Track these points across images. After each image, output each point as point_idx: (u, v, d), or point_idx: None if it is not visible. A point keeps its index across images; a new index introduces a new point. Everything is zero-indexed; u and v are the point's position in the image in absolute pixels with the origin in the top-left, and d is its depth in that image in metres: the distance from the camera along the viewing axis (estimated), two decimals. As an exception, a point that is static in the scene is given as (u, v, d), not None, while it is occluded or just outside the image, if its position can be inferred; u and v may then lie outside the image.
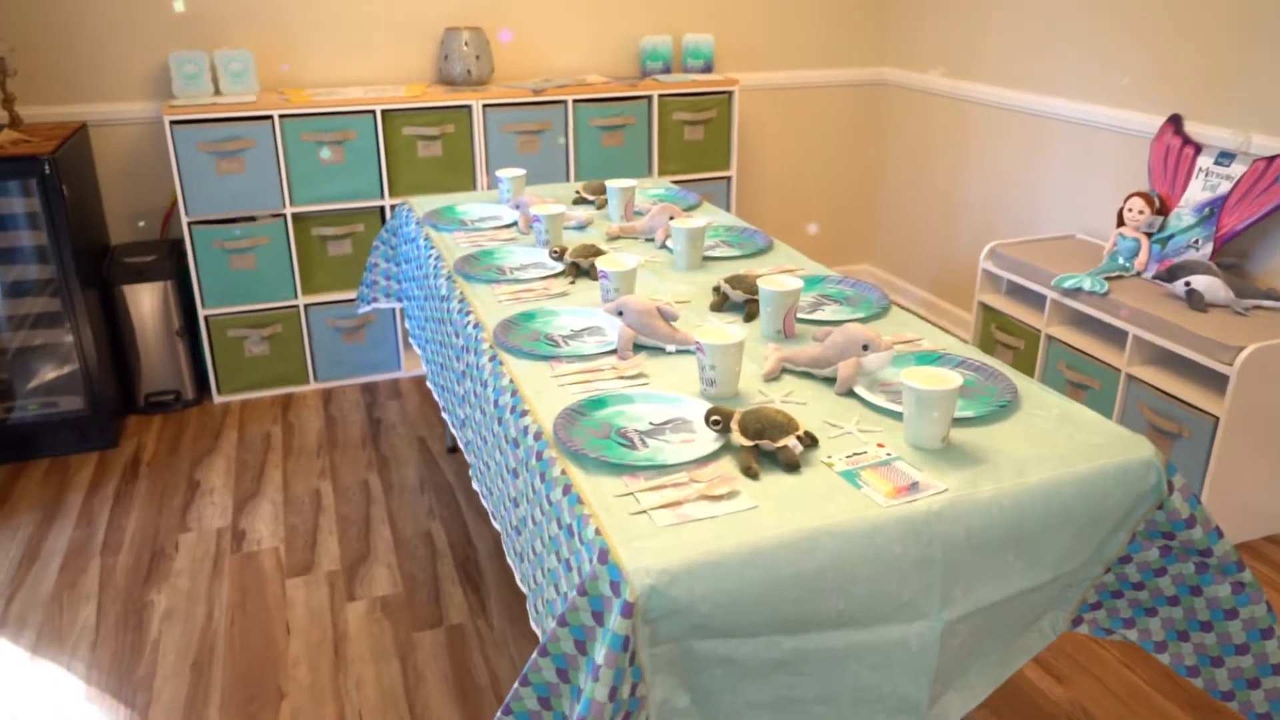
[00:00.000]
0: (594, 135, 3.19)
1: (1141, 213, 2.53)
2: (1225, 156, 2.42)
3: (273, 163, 2.89)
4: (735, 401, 1.42)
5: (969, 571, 1.19)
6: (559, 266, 2.01)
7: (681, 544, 1.09)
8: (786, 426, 1.26)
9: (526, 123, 3.10)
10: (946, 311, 3.62)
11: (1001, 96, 3.19)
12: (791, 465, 1.24)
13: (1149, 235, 2.56)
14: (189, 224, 2.87)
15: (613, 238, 2.21)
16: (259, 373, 3.08)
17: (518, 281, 1.93)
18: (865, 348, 1.44)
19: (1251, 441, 2.19)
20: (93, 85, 2.94)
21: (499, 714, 1.16)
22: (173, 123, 2.76)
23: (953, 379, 1.27)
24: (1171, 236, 2.52)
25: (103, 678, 1.92)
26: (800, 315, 1.73)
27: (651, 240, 2.20)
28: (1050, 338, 2.66)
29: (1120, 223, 2.61)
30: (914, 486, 1.20)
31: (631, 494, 1.19)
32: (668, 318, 1.60)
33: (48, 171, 2.51)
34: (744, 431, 1.26)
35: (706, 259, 2.06)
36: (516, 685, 1.14)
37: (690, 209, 2.46)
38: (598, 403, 1.41)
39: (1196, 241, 2.45)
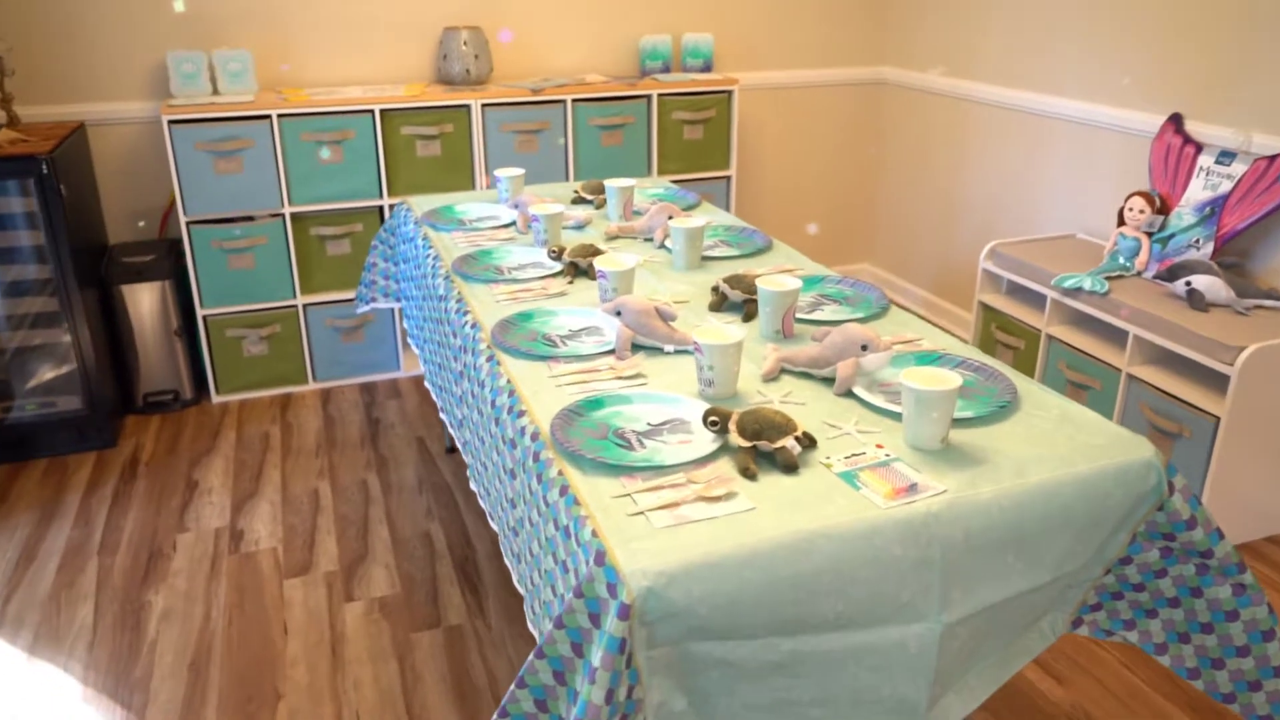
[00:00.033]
0: (593, 135, 3.18)
1: (1142, 212, 2.53)
2: (1226, 155, 2.41)
3: (271, 162, 2.88)
4: (734, 402, 1.42)
5: (968, 573, 1.18)
6: (557, 266, 2.00)
7: (679, 545, 1.08)
8: (785, 427, 1.25)
9: (525, 122, 3.09)
10: (947, 311, 3.61)
11: (1002, 96, 3.18)
12: (790, 466, 1.23)
13: (1150, 235, 2.55)
14: (187, 224, 2.87)
15: (611, 237, 2.20)
16: (257, 372, 3.08)
17: (516, 281, 1.93)
18: (864, 348, 1.44)
19: (1252, 442, 2.18)
20: (91, 85, 2.94)
21: (495, 716, 1.15)
22: (171, 122, 2.76)
23: (952, 379, 1.26)
24: (1172, 236, 2.51)
25: (100, 678, 1.92)
26: (799, 315, 1.72)
27: (650, 240, 2.19)
28: (1051, 337, 2.65)
29: (1121, 222, 2.60)
30: (913, 488, 1.19)
31: (629, 495, 1.19)
32: (666, 318, 1.59)
33: (45, 171, 2.50)
34: (742, 432, 1.26)
35: (705, 259, 2.06)
36: (513, 687, 1.14)
37: (689, 208, 2.46)
38: (595, 403, 1.40)
39: (1197, 241, 2.44)
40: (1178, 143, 2.55)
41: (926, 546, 1.15)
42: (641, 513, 1.15)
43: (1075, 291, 2.52)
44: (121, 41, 2.92)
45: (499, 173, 2.39)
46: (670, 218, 2.14)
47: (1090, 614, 1.39)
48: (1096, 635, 1.41)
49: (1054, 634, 1.34)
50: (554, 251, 1.99)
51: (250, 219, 2.94)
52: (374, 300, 2.55)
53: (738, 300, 1.77)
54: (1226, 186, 2.39)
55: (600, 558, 1.07)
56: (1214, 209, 2.41)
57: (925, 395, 1.25)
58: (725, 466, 1.25)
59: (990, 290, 2.93)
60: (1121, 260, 2.58)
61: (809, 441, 1.28)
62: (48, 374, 2.73)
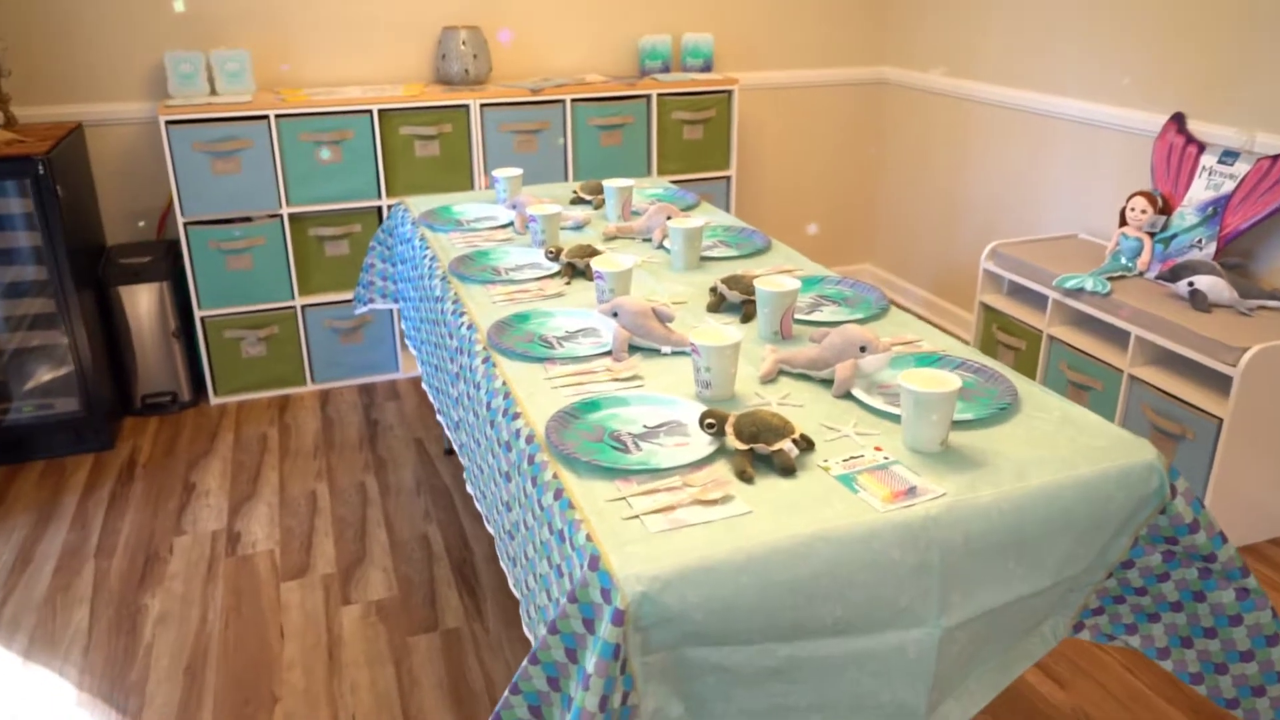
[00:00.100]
0: (592, 135, 3.17)
1: (1144, 212, 2.51)
2: (1229, 155, 2.40)
3: (269, 163, 2.87)
4: (731, 404, 1.40)
5: (968, 577, 1.17)
6: (555, 267, 1.99)
7: (674, 550, 1.07)
8: (782, 429, 1.24)
9: (524, 122, 3.08)
10: (948, 312, 3.59)
11: (1003, 95, 3.17)
12: (787, 469, 1.22)
13: (1152, 235, 2.54)
14: (185, 224, 2.86)
15: (609, 238, 2.19)
16: (256, 374, 3.07)
17: (513, 282, 1.91)
18: (863, 349, 1.42)
19: (1255, 443, 2.17)
20: (88, 85, 2.93)
21: (489, 722, 1.14)
22: (168, 123, 2.75)
23: (951, 381, 1.25)
24: (1174, 236, 2.49)
25: (95, 682, 1.91)
26: (798, 316, 1.71)
27: (649, 240, 2.18)
28: (1052, 338, 2.63)
29: (1123, 222, 2.58)
30: (912, 491, 1.18)
31: (624, 498, 1.17)
32: (663, 319, 1.58)
33: (42, 172, 2.49)
34: (739, 435, 1.24)
35: (704, 259, 2.04)
36: (507, 693, 1.12)
37: (688, 209, 2.45)
38: (591, 405, 1.39)
39: (1200, 241, 2.43)
40: (1180, 142, 2.53)
41: (925, 550, 1.14)
42: (636, 516, 1.13)
43: (1077, 292, 2.51)
44: (119, 42, 2.92)
45: (497, 173, 2.38)
46: (669, 218, 2.13)
47: (1092, 618, 1.38)
48: (1098, 640, 1.40)
49: (1055, 638, 1.33)
50: (551, 252, 1.98)
51: (248, 220, 2.93)
52: (372, 301, 2.54)
53: (736, 301, 1.76)
54: (1229, 186, 2.38)
55: (594, 562, 1.06)
56: (1216, 209, 2.40)
57: (924, 397, 1.24)
58: (722, 469, 1.23)
59: (991, 291, 2.91)
60: (1123, 260, 2.56)
61: (807, 444, 1.26)
62: (45, 375, 2.72)
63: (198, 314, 2.95)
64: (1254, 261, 2.44)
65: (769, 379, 1.48)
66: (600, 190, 2.47)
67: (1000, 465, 1.24)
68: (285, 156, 2.88)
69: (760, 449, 1.23)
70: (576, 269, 1.93)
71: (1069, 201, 2.99)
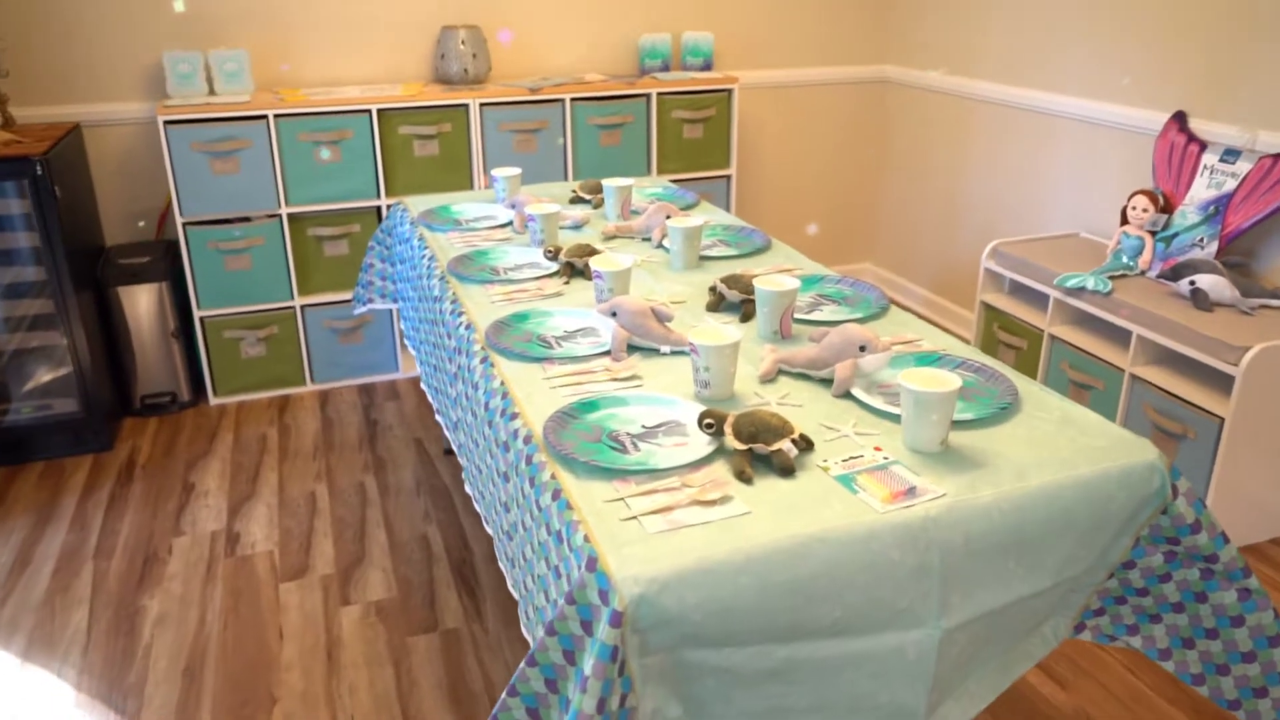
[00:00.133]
0: (592, 134, 3.17)
1: (1145, 211, 2.50)
2: (1230, 154, 2.39)
3: (268, 163, 2.86)
4: (730, 404, 1.39)
5: (968, 578, 1.16)
6: (553, 266, 1.98)
7: (672, 551, 1.06)
8: (781, 429, 1.23)
9: (524, 121, 3.08)
10: (948, 311, 3.58)
11: (1004, 94, 3.16)
12: (786, 469, 1.21)
13: (1153, 234, 2.53)
14: (184, 225, 2.85)
15: (609, 237, 2.19)
16: (255, 374, 3.06)
17: (511, 282, 1.91)
18: (862, 348, 1.41)
19: (1257, 443, 2.16)
20: (87, 85, 2.92)
21: (486, 724, 1.14)
22: (166, 123, 2.74)
23: (951, 381, 1.24)
24: (1176, 235, 2.49)
25: (93, 684, 1.90)
26: (798, 315, 1.70)
27: (648, 240, 2.17)
28: (1053, 337, 2.62)
29: (1124, 221, 2.57)
30: (911, 491, 1.17)
31: (622, 499, 1.17)
32: (662, 318, 1.57)
33: (39, 172, 2.49)
34: (737, 435, 1.23)
35: (704, 258, 2.04)
36: (504, 695, 1.12)
37: (688, 208, 2.44)
38: (589, 405, 1.38)
39: (1201, 240, 2.42)
40: (1181, 140, 2.52)
41: (925, 551, 1.13)
42: (634, 517, 1.13)
43: (1078, 291, 2.50)
44: (117, 42, 2.91)
45: (496, 172, 2.38)
46: (668, 217, 2.12)
47: (1093, 619, 1.37)
48: (1099, 640, 1.39)
49: (1056, 639, 1.32)
50: (550, 251, 1.97)
51: (247, 220, 2.93)
52: (371, 301, 2.53)
53: (735, 300, 1.75)
54: (1231, 185, 2.37)
55: (592, 563, 1.05)
56: (1218, 208, 2.39)
57: (924, 397, 1.23)
58: (720, 470, 1.23)
59: (992, 290, 2.91)
60: (1125, 259, 2.56)
61: (806, 444, 1.26)
62: (44, 376, 2.72)
63: (197, 314, 2.94)
64: (1256, 260, 2.43)
65: (768, 378, 1.47)
66: (599, 189, 2.46)
67: (1000, 465, 1.23)
68: (284, 156, 2.88)
69: (759, 449, 1.23)
70: (575, 268, 1.93)
71: (1070, 200, 2.98)
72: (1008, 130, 3.18)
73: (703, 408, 1.37)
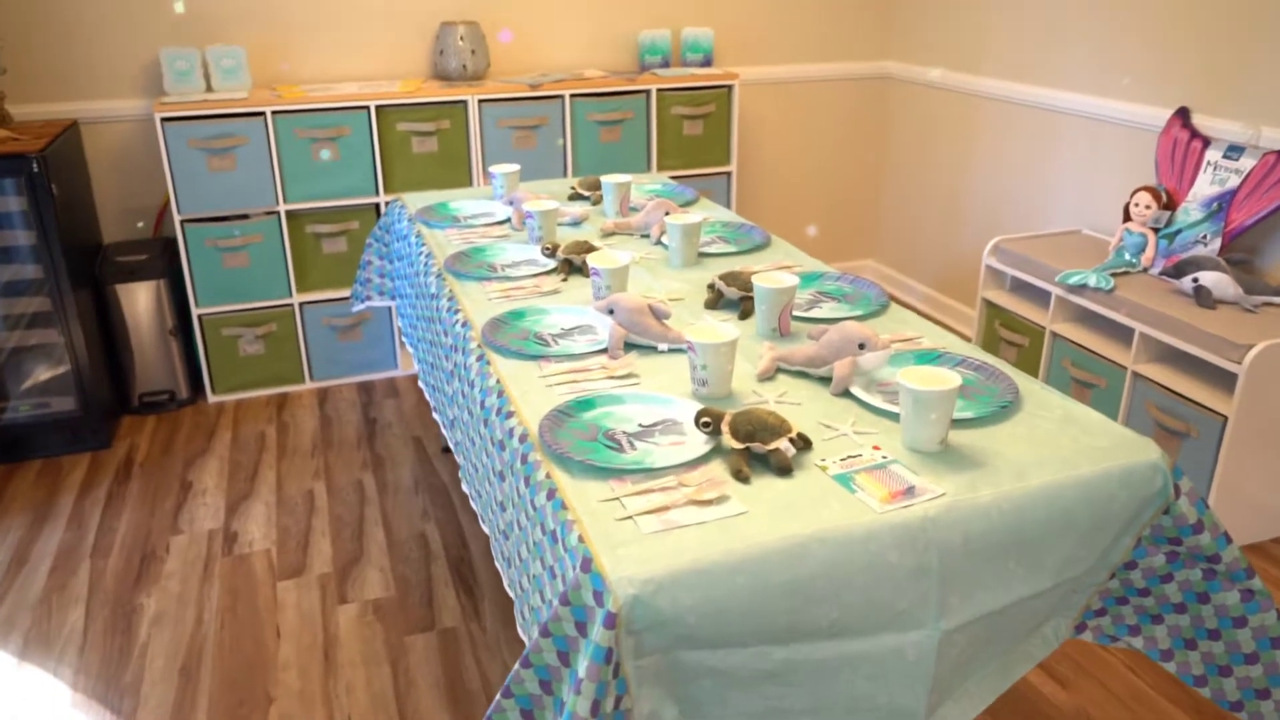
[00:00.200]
0: (592, 130, 3.15)
1: (1148, 208, 2.49)
2: (1234, 150, 2.37)
3: (265, 160, 2.85)
4: (728, 402, 1.38)
5: (967, 579, 1.15)
6: (551, 263, 1.97)
7: (667, 551, 1.05)
8: (778, 428, 1.22)
9: (523, 118, 3.06)
10: (950, 308, 3.57)
11: (1006, 90, 3.14)
12: (783, 469, 1.20)
13: (1156, 230, 2.51)
14: (181, 222, 2.84)
15: (607, 234, 2.17)
16: (254, 372, 3.05)
17: (509, 279, 1.90)
18: (861, 346, 1.40)
19: (1260, 441, 2.14)
20: (84, 82, 2.91)
21: (481, 726, 1.13)
22: (164, 120, 2.73)
23: (951, 379, 1.23)
24: (1179, 232, 2.47)
25: (90, 683, 1.89)
26: (797, 313, 1.69)
27: (647, 236, 2.16)
28: (1055, 335, 2.61)
29: (1126, 218, 2.56)
30: (910, 491, 1.16)
31: (617, 499, 1.15)
32: (660, 316, 1.56)
33: (36, 169, 2.48)
34: (735, 434, 1.22)
35: (702, 255, 2.02)
36: (499, 697, 1.11)
37: (687, 204, 2.42)
38: (586, 404, 1.37)
39: (1204, 237, 2.40)
40: (1185, 137, 2.50)
41: (924, 552, 1.12)
42: (630, 517, 1.12)
43: (1080, 288, 2.48)
44: (114, 39, 2.90)
45: (494, 169, 2.36)
46: (667, 214, 2.11)
47: (1094, 619, 1.36)
48: (1100, 641, 1.38)
49: (1056, 640, 1.31)
50: (548, 248, 1.96)
51: (245, 217, 2.92)
52: (369, 299, 2.52)
53: (734, 298, 1.74)
54: (1234, 181, 2.35)
55: (586, 564, 1.04)
56: (1222, 204, 2.37)
57: (923, 395, 1.22)
58: (717, 469, 1.22)
59: (994, 287, 2.89)
60: (1127, 256, 2.54)
61: (804, 443, 1.24)
62: (42, 374, 2.71)
63: (195, 312, 2.93)
64: (1259, 257, 2.41)
65: (767, 376, 1.46)
66: (598, 186, 2.45)
67: (1000, 465, 1.22)
68: (282, 153, 2.87)
69: (756, 448, 1.21)
70: (573, 265, 1.91)
71: (1072, 197, 2.97)
72: (1010, 127, 3.17)
73: (700, 406, 1.35)
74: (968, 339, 3.23)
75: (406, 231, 2.28)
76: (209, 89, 2.92)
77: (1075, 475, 1.20)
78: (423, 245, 2.13)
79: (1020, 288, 2.87)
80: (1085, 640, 1.92)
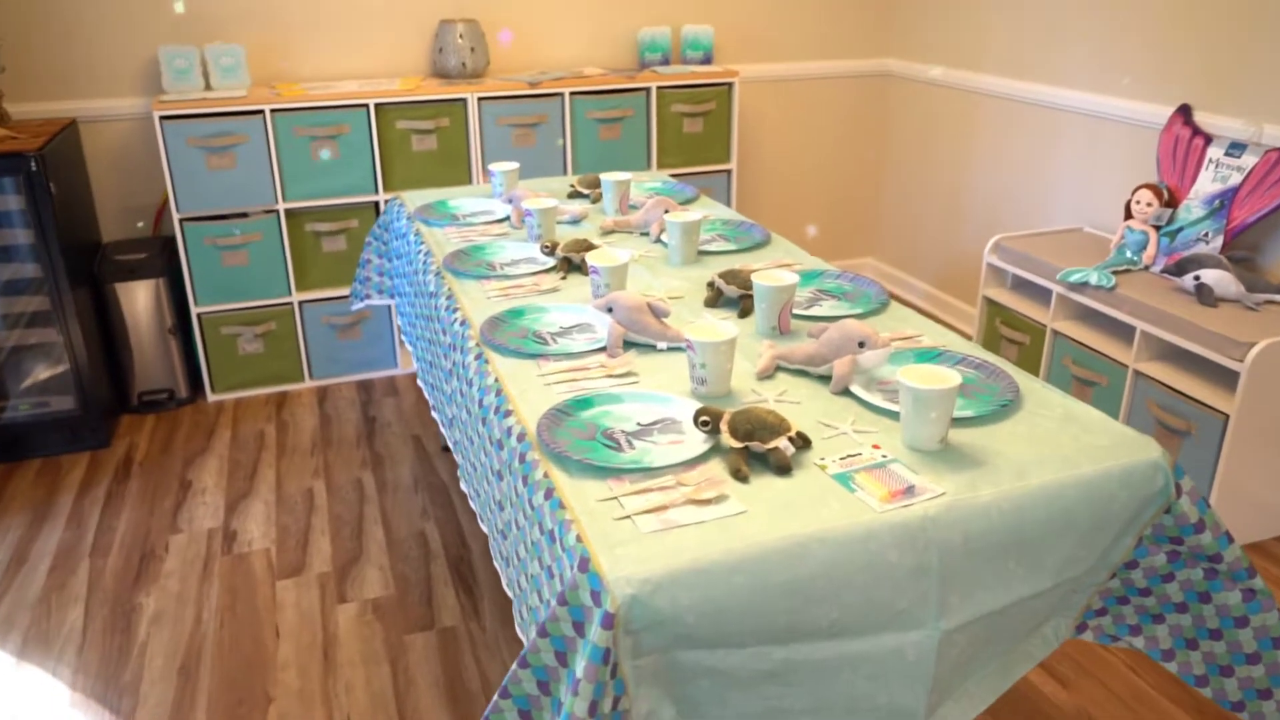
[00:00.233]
0: (591, 128, 3.14)
1: (1149, 205, 2.48)
2: (1236, 147, 2.36)
3: (265, 158, 2.85)
4: (727, 401, 1.38)
5: (967, 578, 1.14)
6: (550, 262, 1.96)
7: (666, 551, 1.05)
8: (778, 427, 1.21)
9: (523, 116, 3.06)
10: (951, 306, 3.56)
11: (1007, 87, 3.13)
12: (783, 468, 1.19)
13: (1157, 228, 2.50)
14: (180, 221, 2.84)
15: (607, 232, 2.17)
16: (253, 371, 3.05)
17: (507, 277, 1.89)
18: (861, 344, 1.39)
19: (1262, 439, 2.14)
20: (83, 81, 2.91)
21: (479, 726, 1.12)
22: (162, 118, 2.73)
23: (951, 377, 1.22)
24: (1180, 229, 2.46)
25: (89, 682, 1.89)
26: (797, 311, 1.68)
27: (646, 234, 2.15)
28: (1056, 333, 2.60)
29: (1128, 215, 2.55)
30: (910, 490, 1.15)
31: (615, 498, 1.15)
32: (659, 314, 1.55)
33: (34, 168, 2.47)
34: (733, 432, 1.22)
35: (702, 253, 2.02)
36: (496, 697, 1.10)
37: (687, 202, 2.42)
38: (584, 403, 1.37)
39: (1206, 234, 2.39)
40: (1186, 134, 2.50)
41: (924, 551, 1.11)
42: (628, 516, 1.11)
43: (1081, 286, 2.48)
44: (113, 37, 2.89)
45: (493, 167, 2.36)
46: (666, 212, 2.10)
47: (1095, 619, 1.35)
48: (1101, 641, 1.37)
49: (1057, 640, 1.30)
50: (547, 247, 1.95)
51: (244, 215, 2.91)
52: (368, 297, 2.52)
53: (733, 296, 1.73)
54: (1236, 179, 2.34)
55: (584, 564, 1.04)
56: (1223, 202, 2.36)
57: (923, 394, 1.21)
58: (716, 468, 1.21)
59: (995, 285, 2.88)
60: (1129, 254, 2.53)
61: (803, 442, 1.24)
62: (41, 374, 2.70)
63: (194, 311, 2.93)
64: (1261, 255, 2.40)
65: (766, 375, 1.46)
66: (597, 184, 2.44)
67: (1001, 464, 1.21)
68: (281, 152, 2.86)
69: (755, 447, 1.21)
70: (572, 263, 1.91)
71: (1074, 194, 2.96)
72: (1011, 124, 3.16)
73: (699, 405, 1.35)
74: (969, 337, 3.22)
75: (405, 230, 2.28)
76: (208, 87, 2.91)
77: (1076, 474, 1.19)
78: (421, 243, 2.13)
79: (1021, 286, 2.86)
80: (1086, 640, 1.92)
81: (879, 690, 1.15)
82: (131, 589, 2.16)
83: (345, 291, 3.06)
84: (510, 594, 1.38)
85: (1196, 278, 2.30)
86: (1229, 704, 1.32)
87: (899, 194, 3.80)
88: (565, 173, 3.18)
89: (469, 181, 3.08)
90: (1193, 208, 2.44)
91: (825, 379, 1.44)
